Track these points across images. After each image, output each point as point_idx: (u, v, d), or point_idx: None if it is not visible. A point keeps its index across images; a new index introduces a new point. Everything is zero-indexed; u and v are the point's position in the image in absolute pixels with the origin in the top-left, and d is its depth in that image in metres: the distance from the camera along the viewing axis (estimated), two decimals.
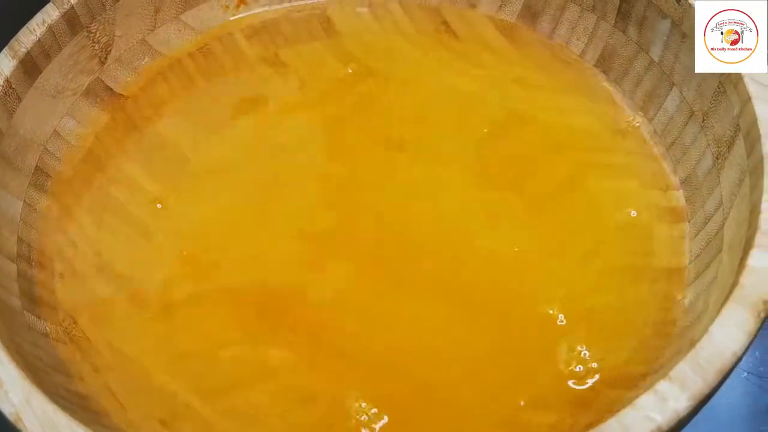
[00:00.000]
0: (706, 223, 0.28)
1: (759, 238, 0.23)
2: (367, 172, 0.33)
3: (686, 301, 0.27)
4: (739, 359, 0.21)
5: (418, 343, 0.28)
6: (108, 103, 0.34)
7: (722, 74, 0.28)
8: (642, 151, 0.32)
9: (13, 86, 0.30)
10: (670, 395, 0.20)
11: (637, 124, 0.32)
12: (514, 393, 0.27)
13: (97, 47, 0.33)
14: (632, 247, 0.30)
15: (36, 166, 0.31)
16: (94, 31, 0.33)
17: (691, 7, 0.29)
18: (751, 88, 0.26)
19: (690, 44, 0.29)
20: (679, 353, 0.24)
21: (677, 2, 0.30)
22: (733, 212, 0.26)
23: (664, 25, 0.31)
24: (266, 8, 0.37)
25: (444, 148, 0.33)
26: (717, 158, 0.28)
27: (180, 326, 0.29)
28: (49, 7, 0.31)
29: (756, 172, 0.25)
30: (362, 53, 0.36)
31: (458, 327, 0.28)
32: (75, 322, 0.29)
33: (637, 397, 0.24)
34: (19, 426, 0.22)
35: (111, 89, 0.34)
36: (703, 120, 0.29)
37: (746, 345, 0.21)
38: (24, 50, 0.30)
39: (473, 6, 0.37)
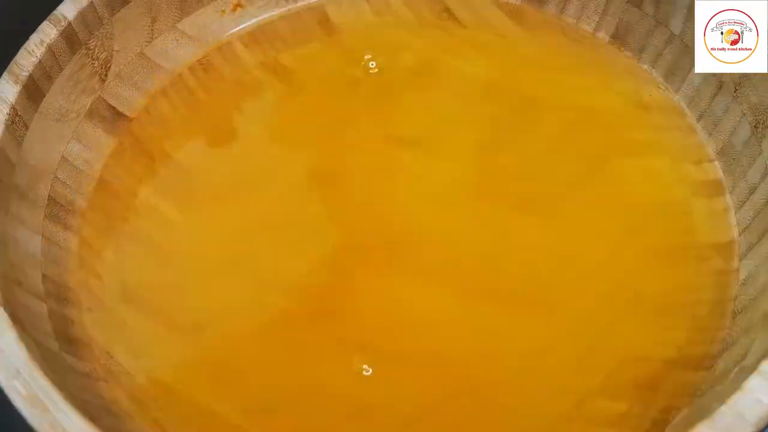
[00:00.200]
0: (751, 194, 0.28)
1: None
2: (378, 171, 0.32)
3: (742, 275, 0.27)
4: None
5: (464, 343, 0.28)
6: (113, 125, 0.32)
7: None
8: (669, 124, 0.31)
9: (19, 113, 0.28)
10: None
11: (661, 98, 0.32)
12: (574, 384, 0.26)
13: (96, 64, 0.31)
14: (671, 225, 0.29)
15: (49, 196, 0.29)
16: (92, 47, 0.31)
17: None
18: None
19: None
20: (752, 329, 0.24)
21: None
22: None
23: None
24: (262, 10, 0.36)
25: (458, 141, 0.32)
26: (756, 127, 0.28)
27: (215, 347, 0.28)
28: (45, 26, 0.29)
29: None
30: (364, 49, 0.35)
31: (503, 323, 0.28)
32: (111, 357, 0.27)
33: (711, 377, 0.24)
34: None
35: (114, 108, 0.32)
36: (735, 90, 0.29)
37: None
38: (25, 74, 0.28)
39: None
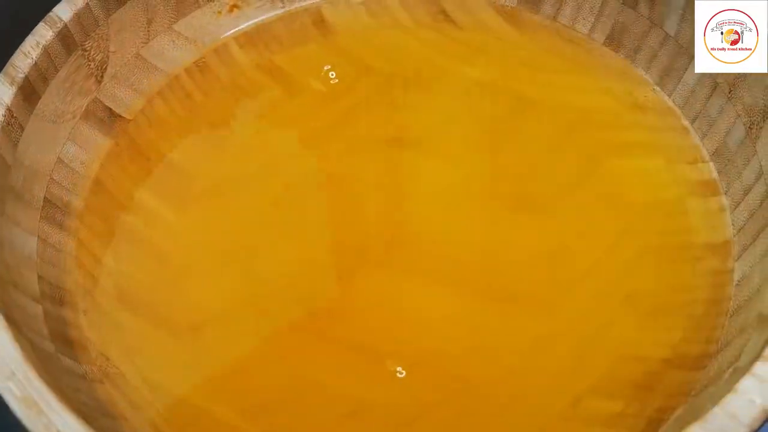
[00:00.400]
0: (746, 194, 0.28)
1: None
2: (375, 172, 0.32)
3: (737, 276, 0.27)
4: None
5: (460, 342, 0.28)
6: (109, 126, 0.32)
7: None
8: (664, 125, 0.32)
9: (14, 115, 0.28)
10: None
11: (656, 99, 0.32)
12: (570, 383, 0.26)
13: (92, 65, 0.31)
14: (666, 225, 0.29)
15: (45, 198, 0.29)
16: (88, 48, 0.31)
17: None
18: None
19: None
20: (746, 330, 0.24)
21: None
22: None
23: None
24: (259, 12, 0.36)
25: (455, 142, 0.32)
26: (750, 128, 0.28)
27: (212, 348, 0.28)
28: (40, 27, 0.29)
29: None
30: (360, 51, 0.35)
31: (499, 322, 0.28)
32: (107, 359, 0.27)
33: (706, 377, 0.25)
34: None
35: (110, 110, 0.32)
36: (730, 91, 0.29)
37: None
38: (21, 75, 0.28)
39: None
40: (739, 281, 0.27)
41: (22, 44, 0.29)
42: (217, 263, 0.30)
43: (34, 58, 0.29)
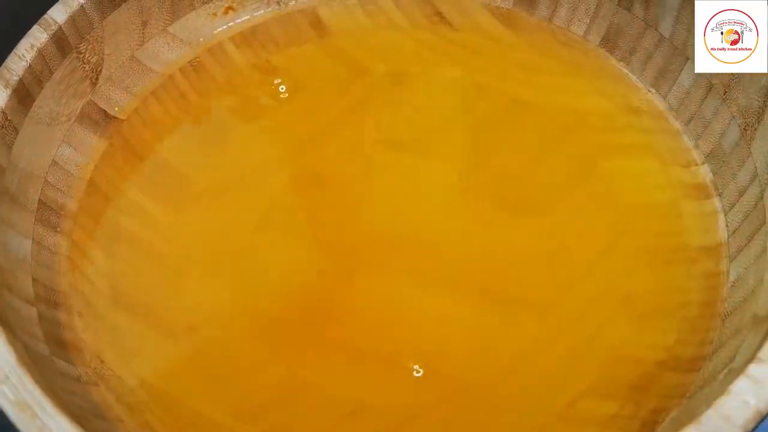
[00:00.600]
0: (741, 196, 0.28)
1: None
2: (370, 174, 0.32)
3: (732, 278, 0.27)
4: None
5: (455, 344, 0.28)
6: (104, 127, 0.32)
7: None
8: (659, 128, 0.32)
9: (9, 118, 0.28)
10: (764, 377, 0.20)
11: (651, 101, 0.32)
12: (565, 384, 0.26)
13: (87, 68, 0.31)
14: (661, 228, 0.29)
15: (39, 200, 0.29)
16: (83, 51, 0.31)
17: None
18: None
19: None
20: (741, 331, 0.24)
21: None
22: None
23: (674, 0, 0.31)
24: (254, 13, 0.36)
25: (449, 143, 0.32)
26: (745, 130, 0.28)
27: (206, 349, 0.28)
28: (35, 30, 0.29)
29: None
30: (356, 51, 0.35)
31: (494, 324, 0.28)
32: (102, 361, 0.27)
33: (700, 378, 0.25)
34: None
35: (105, 112, 0.32)
36: (725, 92, 0.29)
37: None
38: (16, 78, 0.28)
39: None
40: (733, 283, 0.27)
41: (17, 47, 0.29)
42: (213, 264, 0.30)
43: (28, 60, 0.29)
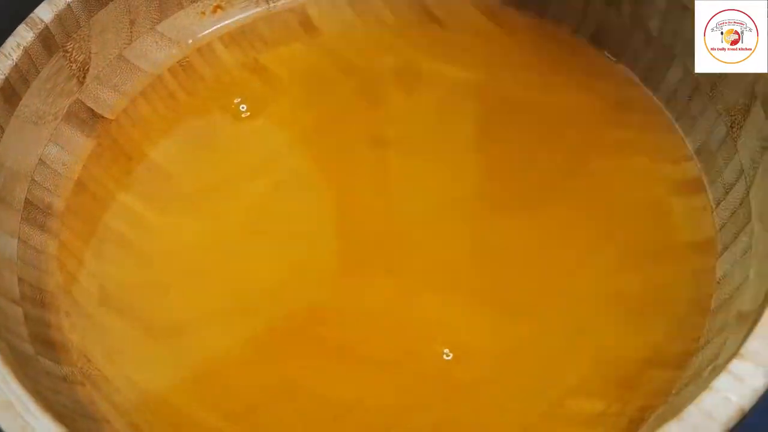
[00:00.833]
0: (727, 193, 0.28)
1: None
2: (358, 173, 0.32)
3: (718, 274, 0.27)
4: None
5: (441, 343, 0.27)
6: (91, 126, 0.32)
7: None
8: (647, 125, 0.31)
9: None
10: (746, 374, 0.20)
11: (640, 98, 0.32)
12: (552, 383, 0.26)
13: (74, 67, 0.31)
14: (649, 224, 0.29)
15: (26, 199, 0.29)
16: (70, 50, 0.31)
17: None
18: None
19: (691, 16, 0.29)
20: (726, 328, 0.24)
21: None
22: (758, 180, 0.26)
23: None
24: (243, 12, 0.36)
25: (439, 141, 0.32)
26: (731, 127, 0.28)
27: (195, 350, 0.28)
28: (21, 29, 0.29)
29: None
30: (345, 50, 0.35)
31: (480, 321, 0.28)
32: (89, 361, 0.27)
33: (686, 375, 0.25)
34: None
35: (92, 111, 0.32)
36: (711, 90, 0.29)
37: None
38: (1, 77, 0.28)
39: None
40: (720, 279, 0.27)
41: (3, 46, 0.29)
42: (201, 264, 0.30)
43: (14, 59, 0.29)
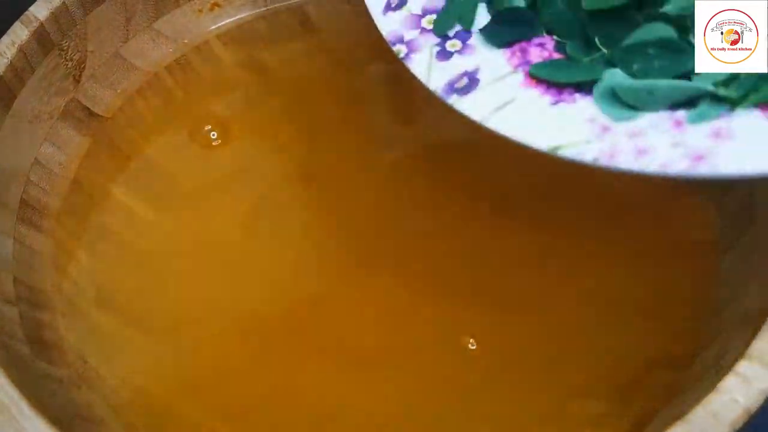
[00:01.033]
0: (729, 193, 0.28)
1: None
2: (359, 171, 0.32)
3: (722, 274, 0.27)
4: None
5: (444, 343, 0.27)
6: (87, 125, 0.32)
7: None
8: None
9: None
10: (753, 375, 0.19)
11: None
12: (555, 384, 0.26)
13: (70, 65, 0.31)
14: (648, 224, 0.29)
15: (21, 199, 0.29)
16: (66, 48, 0.31)
17: None
18: None
19: None
20: (730, 329, 0.24)
21: None
22: (760, 180, 0.26)
23: None
24: (241, 10, 0.35)
25: (439, 141, 0.32)
26: None
27: (190, 351, 0.28)
28: (16, 27, 0.29)
29: None
30: (345, 50, 0.35)
31: (484, 323, 0.28)
32: (85, 362, 0.27)
33: (690, 376, 0.24)
34: None
35: (89, 109, 0.32)
36: None
37: None
38: None
39: None
40: (723, 280, 0.27)
41: None
42: (198, 265, 0.30)
43: (9, 57, 0.28)
